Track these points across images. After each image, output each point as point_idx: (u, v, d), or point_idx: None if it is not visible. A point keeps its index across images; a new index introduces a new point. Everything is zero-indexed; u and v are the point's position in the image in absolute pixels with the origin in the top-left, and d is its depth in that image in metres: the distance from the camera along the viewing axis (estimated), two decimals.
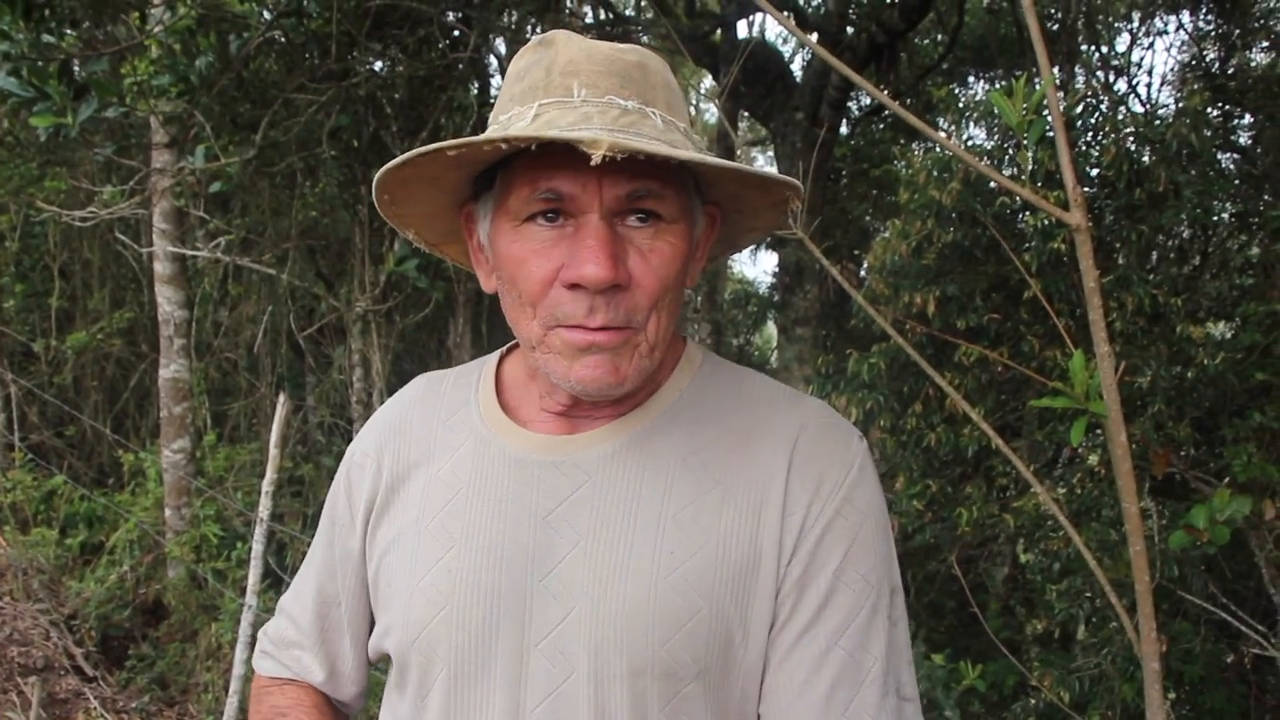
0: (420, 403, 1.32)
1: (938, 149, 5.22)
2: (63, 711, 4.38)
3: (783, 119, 8.11)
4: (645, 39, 8.12)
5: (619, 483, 1.14)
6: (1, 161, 8.09)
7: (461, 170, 1.11)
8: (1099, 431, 4.06)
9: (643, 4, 9.96)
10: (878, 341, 4.55)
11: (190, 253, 6.02)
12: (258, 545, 4.52)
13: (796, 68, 9.66)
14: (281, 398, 5.02)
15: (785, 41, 11.60)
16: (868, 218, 10.66)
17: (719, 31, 8.22)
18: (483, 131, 1.08)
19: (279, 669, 1.39)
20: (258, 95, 5.75)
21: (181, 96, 5.52)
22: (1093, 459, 4.53)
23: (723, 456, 1.15)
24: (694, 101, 14.83)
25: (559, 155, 1.03)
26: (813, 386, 4.80)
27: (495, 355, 1.32)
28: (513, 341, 1.28)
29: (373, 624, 1.30)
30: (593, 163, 0.96)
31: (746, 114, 10.15)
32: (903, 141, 10.13)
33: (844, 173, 10.87)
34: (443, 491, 1.21)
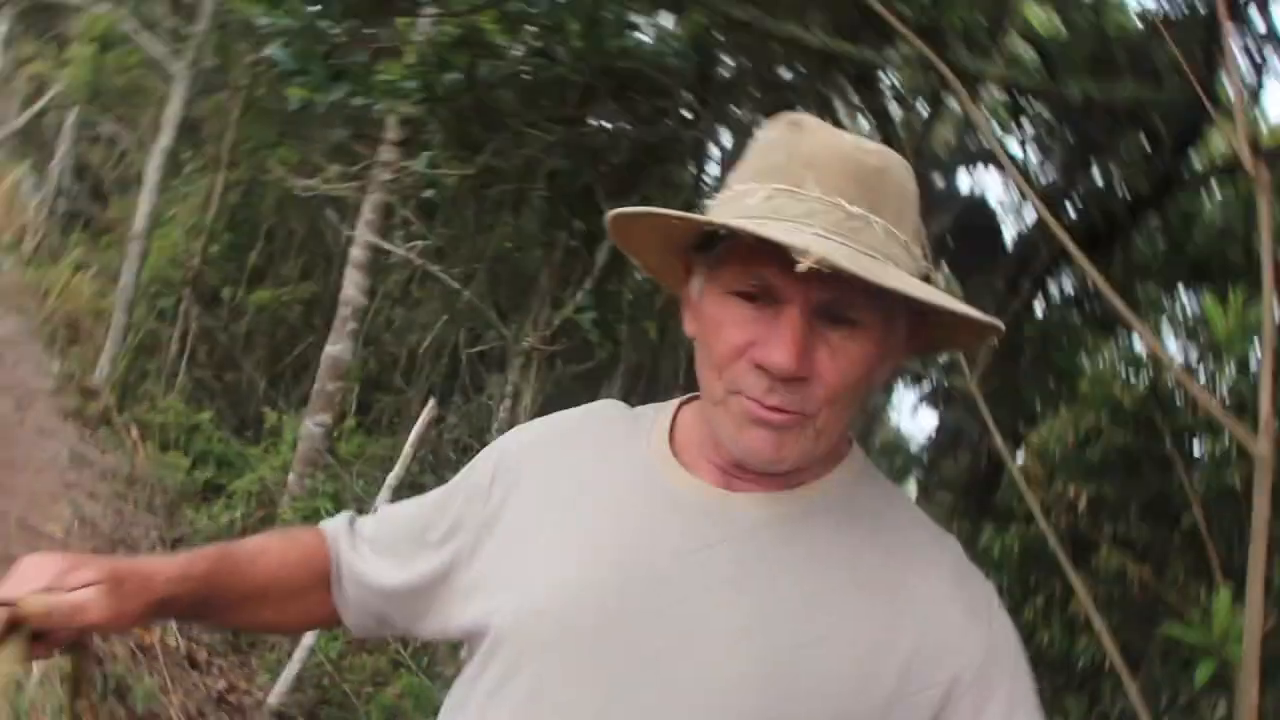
0: (598, 420, 1.37)
1: (1134, 348, 5.11)
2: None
3: (981, 281, 8.05)
4: None
5: (764, 550, 1.16)
6: (249, 124, 8.70)
7: (689, 227, 1.16)
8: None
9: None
10: (1017, 523, 4.45)
11: (388, 246, 6.34)
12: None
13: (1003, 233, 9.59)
14: (431, 402, 5.22)
15: (1005, 211, 11.53)
16: (1037, 404, 10.41)
17: (939, 176, 8.25)
18: (693, 208, 1.16)
19: (329, 522, 1.45)
20: (490, 120, 6.06)
21: (422, 104, 5.86)
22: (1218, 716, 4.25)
23: (864, 560, 1.16)
24: None
25: (775, 247, 1.05)
26: None
27: (675, 401, 1.35)
28: (690, 395, 1.32)
29: (410, 596, 1.35)
30: (798, 269, 1.00)
31: (945, 266, 10.11)
32: (1095, 336, 9.89)
33: (1025, 353, 10.67)
34: (592, 502, 1.24)
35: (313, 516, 6.45)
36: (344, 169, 5.95)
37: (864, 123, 10.54)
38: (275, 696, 4.72)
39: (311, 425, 6.86)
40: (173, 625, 4.70)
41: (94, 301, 8.21)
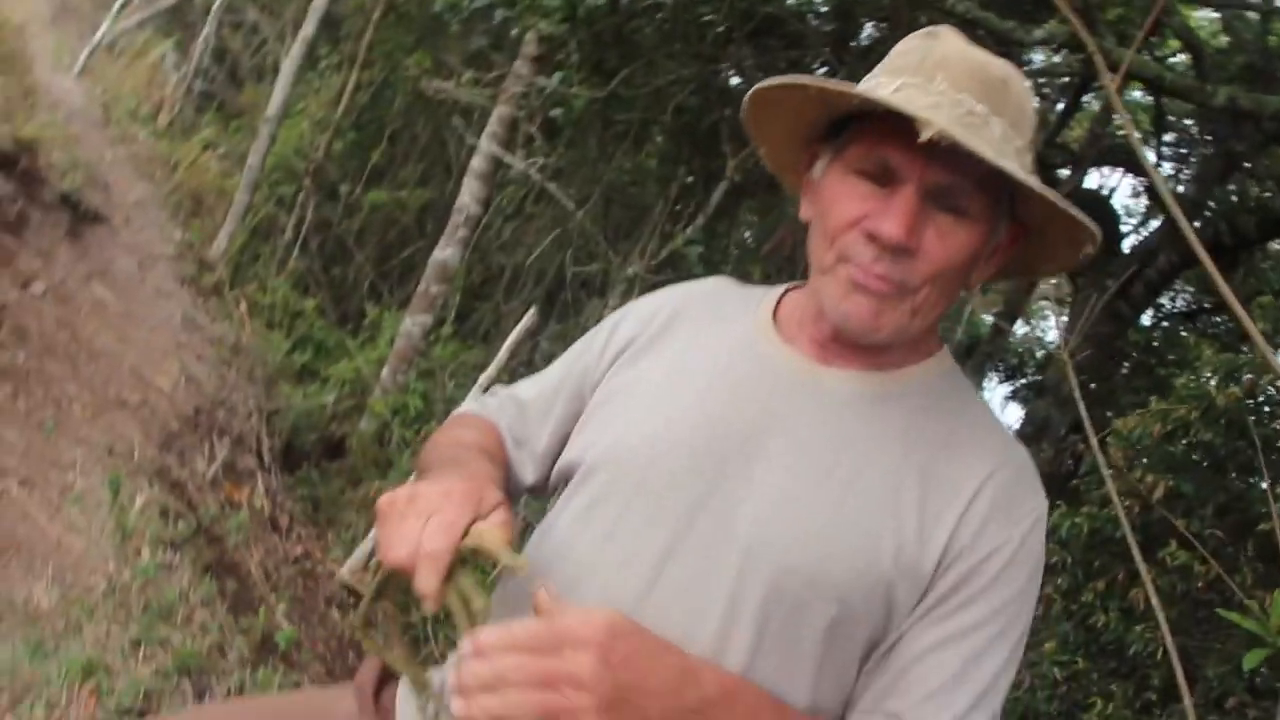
0: (712, 292, 1.49)
1: (1239, 356, 5.01)
2: (234, 478, 4.78)
3: (1092, 280, 7.89)
4: None
5: (844, 421, 1.26)
6: (388, 26, 8.82)
7: (822, 109, 1.27)
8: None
9: None
10: (1090, 506, 4.41)
11: (509, 159, 6.41)
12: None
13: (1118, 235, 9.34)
14: (531, 310, 5.31)
15: (1130, 215, 11.24)
16: (1134, 411, 10.21)
17: (1068, 171, 8.07)
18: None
19: (480, 409, 1.57)
20: (627, 48, 6.08)
21: (563, 23, 5.90)
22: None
23: (934, 448, 1.25)
24: None
25: (900, 130, 1.16)
26: None
27: (784, 285, 1.46)
28: (794, 283, 1.44)
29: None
30: (920, 139, 1.10)
31: None
32: (1202, 350, 9.64)
33: (1129, 360, 10.45)
34: (696, 360, 1.35)
35: (401, 410, 6.63)
36: (478, 75, 6.00)
37: None
38: (346, 570, 4.89)
39: (411, 324, 7.01)
40: (260, 487, 4.89)
41: (218, 180, 8.43)
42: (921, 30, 1.30)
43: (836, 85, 1.17)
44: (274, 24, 10.11)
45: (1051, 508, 4.64)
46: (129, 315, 5.29)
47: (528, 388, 1.55)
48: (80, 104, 7.87)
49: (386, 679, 1.44)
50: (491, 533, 1.14)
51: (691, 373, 1.34)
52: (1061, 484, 7.14)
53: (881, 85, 1.21)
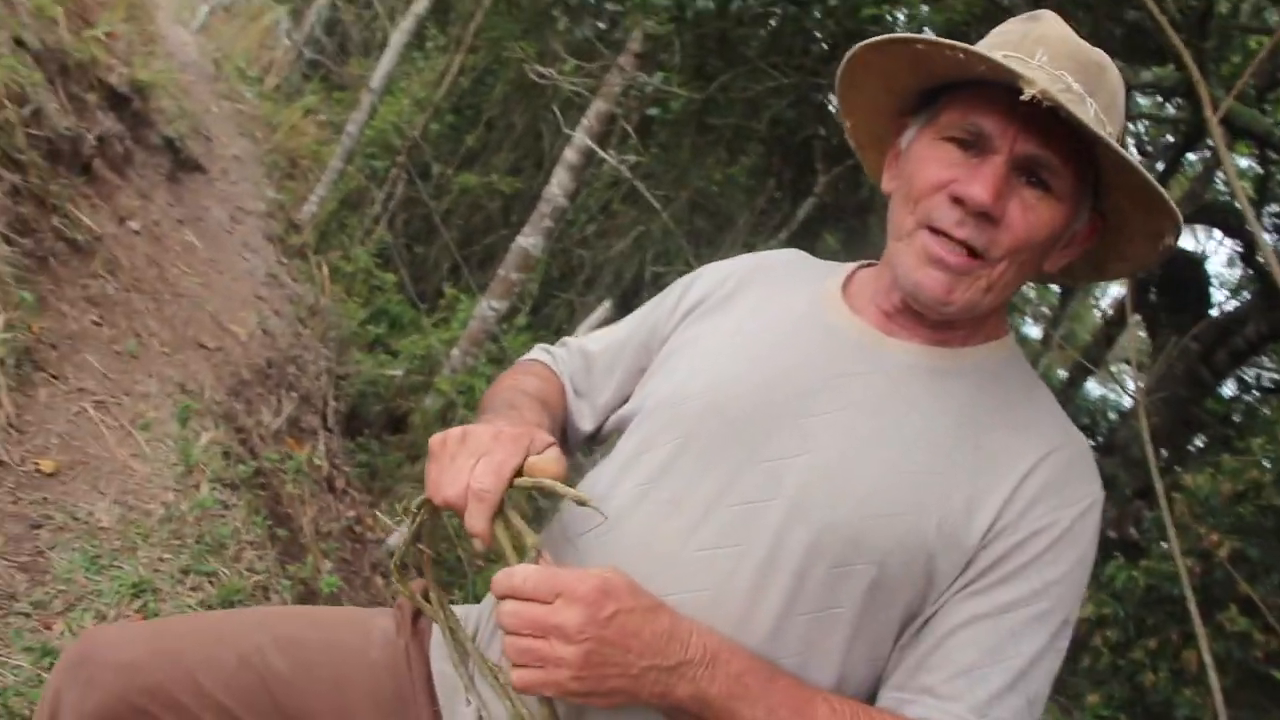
0: (787, 261, 1.51)
1: None
2: (296, 435, 4.85)
3: (1175, 341, 7.73)
4: None
5: (902, 390, 1.26)
6: (498, 13, 8.92)
7: (916, 78, 1.28)
8: None
9: None
10: (1149, 560, 4.30)
11: (601, 153, 6.44)
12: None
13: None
14: (605, 303, 5.32)
15: (1223, 285, 10.99)
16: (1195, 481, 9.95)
17: None
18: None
19: (546, 358, 1.60)
20: (730, 55, 6.09)
21: (669, 23, 5.93)
22: None
23: (990, 425, 1.25)
24: (1100, 294, 14.26)
25: (995, 100, 1.19)
26: None
27: (855, 264, 1.47)
28: (866, 261, 1.45)
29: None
30: (1023, 96, 1.12)
31: (1139, 316, 9.72)
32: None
33: (1206, 430, 10.20)
34: (762, 321, 1.37)
35: (466, 392, 6.68)
36: (581, 64, 6.05)
37: None
38: (396, 538, 4.93)
39: (486, 307, 7.05)
40: (321, 447, 4.95)
41: (315, 146, 8.60)
42: (1023, 15, 1.30)
43: (946, 42, 1.18)
44: (386, 1, 10.28)
45: (1108, 560, 4.55)
46: (215, 263, 5.40)
47: (597, 340, 1.57)
48: (194, 58, 8.08)
49: (419, 612, 1.46)
50: (547, 466, 1.16)
51: (756, 333, 1.35)
52: (1123, 548, 7.00)
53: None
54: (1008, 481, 1.20)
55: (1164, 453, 7.72)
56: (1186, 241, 12.85)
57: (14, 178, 3.80)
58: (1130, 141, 10.47)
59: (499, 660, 1.29)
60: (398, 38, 7.73)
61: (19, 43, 4.33)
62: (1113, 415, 11.83)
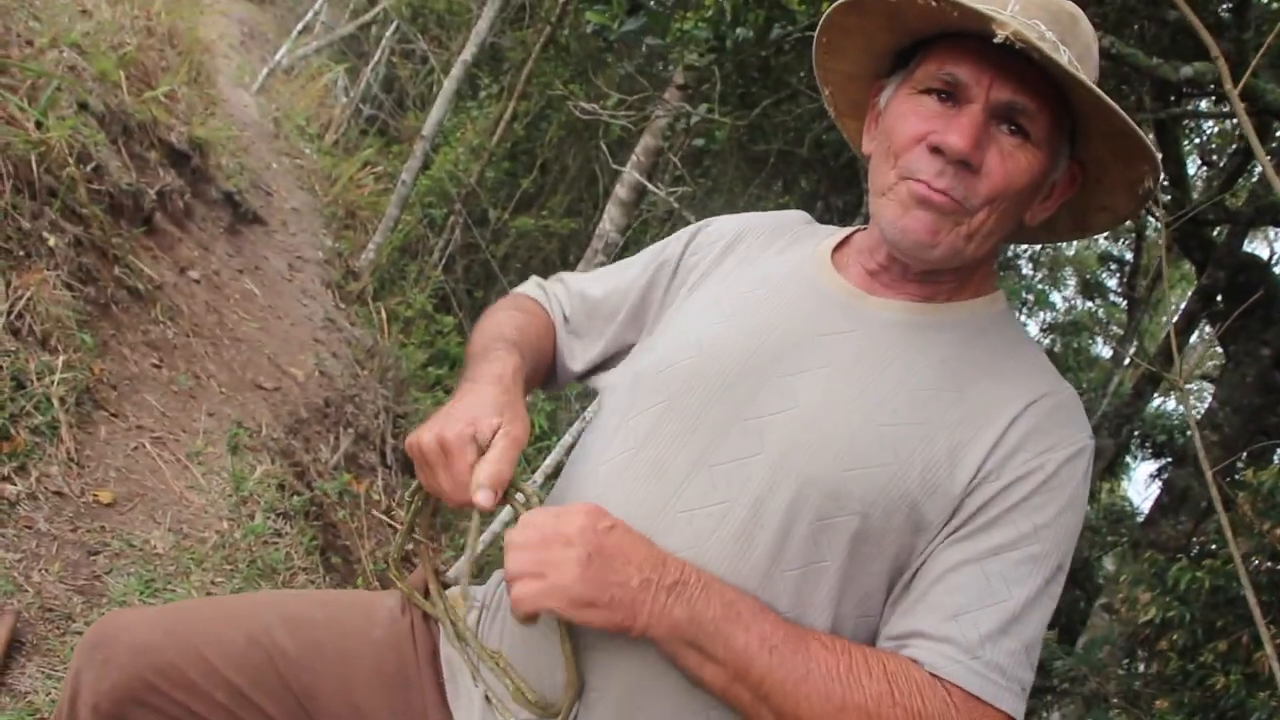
0: (785, 223, 1.52)
1: None
2: (355, 470, 4.94)
3: (1245, 349, 7.53)
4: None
5: (883, 344, 1.28)
6: (548, 59, 9.09)
7: (892, 35, 1.30)
8: None
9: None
10: (1212, 560, 4.17)
11: (651, 187, 6.52)
12: (568, 438, 4.86)
13: None
14: None
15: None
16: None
17: (1220, 231, 7.75)
18: None
19: (538, 294, 1.62)
20: (772, 81, 6.13)
21: (709, 53, 5.99)
22: None
23: (974, 375, 1.26)
24: (1174, 303, 13.97)
25: (969, 51, 1.20)
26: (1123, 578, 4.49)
27: (853, 228, 1.49)
28: (862, 225, 1.45)
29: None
30: (996, 39, 1.12)
31: (1208, 326, 9.53)
32: None
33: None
34: (749, 281, 1.40)
35: (530, 427, 6.75)
36: (623, 98, 6.14)
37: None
38: (454, 571, 4.98)
39: None
40: (379, 482, 5.03)
41: (374, 197, 8.79)
42: None
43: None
44: (441, 55, 10.53)
45: (1172, 562, 4.43)
46: (273, 309, 5.55)
47: (599, 284, 1.58)
48: (255, 118, 8.33)
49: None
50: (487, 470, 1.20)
51: (741, 293, 1.38)
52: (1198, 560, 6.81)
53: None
54: (993, 429, 1.20)
55: (1239, 464, 7.51)
56: (1257, 247, 12.56)
57: (76, 229, 3.97)
58: (1190, 147, 10.29)
59: (499, 645, 1.33)
60: (448, 86, 7.91)
61: (83, 106, 4.54)
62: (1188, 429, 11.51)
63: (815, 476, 1.18)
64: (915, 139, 1.23)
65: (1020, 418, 1.21)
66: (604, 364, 1.55)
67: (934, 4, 1.17)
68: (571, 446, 4.69)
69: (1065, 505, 1.19)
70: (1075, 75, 1.14)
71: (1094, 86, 1.15)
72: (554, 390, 1.68)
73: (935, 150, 1.20)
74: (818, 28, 1.32)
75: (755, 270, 1.41)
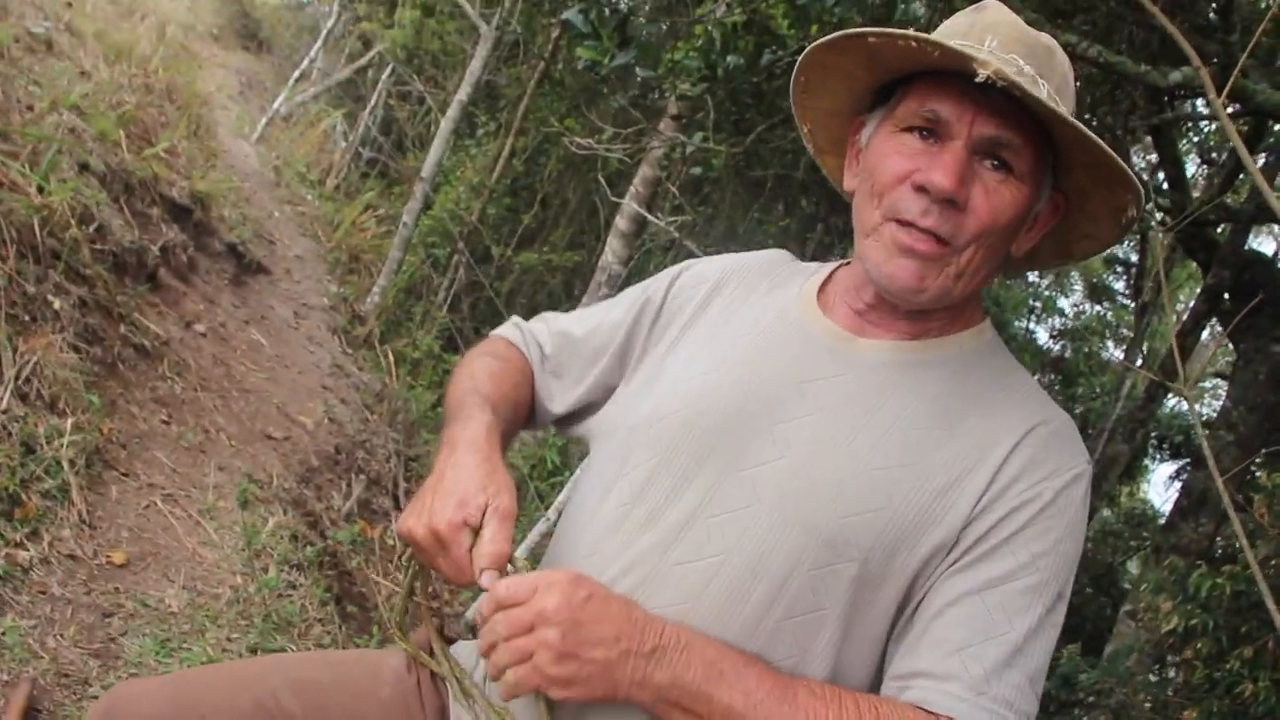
0: (767, 263, 1.50)
1: None
2: (368, 516, 4.95)
3: (1255, 346, 7.49)
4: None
5: (873, 386, 1.27)
6: (543, 94, 9.16)
7: (873, 74, 1.30)
8: None
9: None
10: (1233, 565, 4.13)
11: (650, 217, 6.54)
12: (579, 471, 4.87)
13: None
14: None
15: None
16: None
17: (1223, 229, 7.73)
18: None
19: (515, 334, 1.60)
20: (766, 106, 6.15)
21: (701, 82, 6.02)
22: None
23: (966, 411, 1.25)
24: (1182, 302, 13.95)
25: (950, 86, 1.20)
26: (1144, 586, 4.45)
27: (836, 262, 1.47)
28: (846, 260, 1.44)
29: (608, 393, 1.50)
30: (977, 79, 1.13)
31: (1217, 324, 9.48)
32: None
33: None
34: (736, 328, 1.39)
35: (539, 465, 6.75)
36: (618, 130, 6.17)
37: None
38: (472, 612, 4.98)
39: None
40: (393, 528, 5.04)
41: (377, 240, 8.85)
42: (970, 7, 1.32)
43: (899, 32, 1.20)
44: (437, 95, 10.61)
45: (1192, 569, 4.39)
46: (281, 358, 5.57)
47: (581, 324, 1.56)
48: (255, 167, 8.41)
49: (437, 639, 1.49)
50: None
51: (729, 340, 1.37)
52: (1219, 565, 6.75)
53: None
54: (989, 462, 1.20)
55: (1258, 460, 7.46)
56: (1263, 242, 12.51)
57: (81, 290, 4.00)
58: (1189, 146, 10.29)
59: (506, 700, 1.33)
60: (445, 126, 7.97)
61: (84, 167, 4.58)
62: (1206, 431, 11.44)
63: (811, 525, 1.18)
64: (899, 178, 1.22)
65: (1016, 449, 1.20)
66: (586, 408, 1.53)
67: (913, 45, 1.18)
68: None
69: (1064, 533, 1.19)
70: (1056, 111, 1.14)
71: (1074, 120, 1.15)
72: (533, 429, 1.67)
73: (920, 189, 1.20)
74: (796, 66, 1.32)
75: (741, 316, 1.40)
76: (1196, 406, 13.23)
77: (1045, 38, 1.25)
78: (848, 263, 1.43)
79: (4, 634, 2.55)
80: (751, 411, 1.27)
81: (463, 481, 1.21)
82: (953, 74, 1.19)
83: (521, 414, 1.51)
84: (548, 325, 1.61)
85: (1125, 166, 1.17)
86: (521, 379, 1.53)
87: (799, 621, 1.18)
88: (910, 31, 1.18)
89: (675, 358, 1.41)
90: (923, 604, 1.18)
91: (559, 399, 1.54)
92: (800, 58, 1.31)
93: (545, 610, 1.09)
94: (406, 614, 1.46)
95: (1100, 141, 1.16)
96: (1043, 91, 1.18)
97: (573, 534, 1.35)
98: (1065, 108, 1.22)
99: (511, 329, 1.63)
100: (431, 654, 1.43)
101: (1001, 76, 1.12)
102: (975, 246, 1.21)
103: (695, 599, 1.20)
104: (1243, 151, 2.34)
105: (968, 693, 1.12)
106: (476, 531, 1.18)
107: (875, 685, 1.23)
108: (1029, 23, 1.28)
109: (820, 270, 1.45)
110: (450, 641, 1.49)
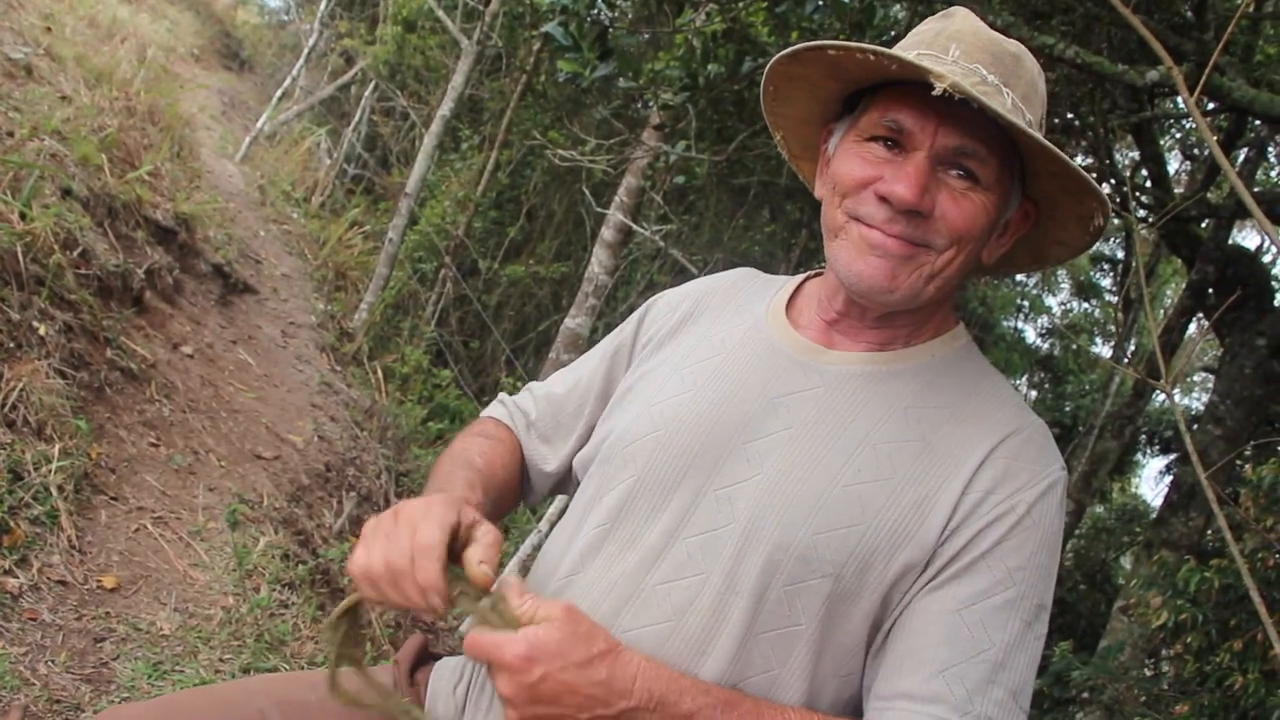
0: (734, 282, 1.51)
1: None
2: (357, 532, 4.93)
3: (1240, 340, 7.53)
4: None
5: (844, 399, 1.27)
6: (526, 107, 9.18)
7: (837, 82, 1.30)
8: None
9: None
10: (1220, 560, 4.15)
11: (635, 227, 6.56)
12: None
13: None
14: None
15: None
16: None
17: (1206, 224, 7.77)
18: None
19: (503, 413, 1.60)
20: (747, 114, 6.18)
21: (683, 91, 6.04)
22: None
23: (938, 421, 1.25)
24: (1167, 300, 14.01)
25: (913, 97, 1.20)
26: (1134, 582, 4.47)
27: (804, 275, 1.48)
28: (815, 270, 1.46)
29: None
30: (934, 92, 1.14)
31: (1202, 318, 9.52)
32: None
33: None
34: (706, 349, 1.39)
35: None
36: (601, 141, 6.19)
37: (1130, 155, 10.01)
38: (466, 626, 4.98)
39: None
40: None
41: (363, 256, 8.85)
42: (938, 14, 1.33)
43: (856, 45, 1.20)
44: (420, 110, 10.62)
45: (1182, 564, 4.41)
46: (269, 377, 5.57)
47: (562, 382, 1.58)
48: (240, 187, 8.40)
49: (424, 658, 1.50)
50: (476, 555, 1.14)
51: (701, 361, 1.38)
52: (1204, 550, 6.77)
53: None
54: (960, 476, 1.20)
55: (1247, 454, 7.49)
56: (1247, 236, 12.57)
57: (66, 316, 4.00)
58: (1171, 142, 10.34)
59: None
60: (429, 140, 7.98)
61: (67, 192, 4.58)
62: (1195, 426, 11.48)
63: (785, 542, 1.19)
64: (862, 183, 1.23)
65: (988, 460, 1.21)
66: (578, 451, 1.54)
67: (871, 58, 1.19)
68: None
69: (1039, 545, 1.19)
70: (1015, 123, 1.14)
71: (1034, 132, 1.16)
72: (533, 503, 1.67)
73: (883, 199, 1.21)
74: (764, 76, 1.33)
75: (712, 337, 1.41)
76: (1184, 401, 13.29)
77: (1012, 45, 1.26)
78: (817, 274, 1.44)
79: None
80: (724, 430, 1.28)
81: (433, 507, 1.16)
82: (916, 84, 1.19)
83: (511, 489, 1.50)
84: (532, 393, 1.61)
85: (1086, 176, 1.18)
86: (510, 457, 1.52)
87: (775, 636, 1.19)
88: (869, 45, 1.19)
89: (648, 382, 1.41)
90: (900, 620, 1.19)
91: (552, 459, 1.54)
92: (766, 68, 1.32)
93: (502, 693, 1.08)
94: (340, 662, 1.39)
95: (1060, 153, 1.16)
96: (1006, 101, 1.19)
97: (553, 554, 1.37)
98: (1032, 115, 1.23)
99: (497, 406, 1.64)
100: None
101: (958, 90, 1.12)
102: (955, 249, 1.22)
103: (678, 618, 1.21)
104: (1216, 150, 2.36)
105: (953, 714, 1.12)
106: (453, 558, 1.14)
107: (851, 699, 1.23)
108: (1006, 26, 1.30)
109: (788, 284, 1.45)
110: (436, 658, 1.49)
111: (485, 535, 1.16)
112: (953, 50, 1.22)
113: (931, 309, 1.32)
